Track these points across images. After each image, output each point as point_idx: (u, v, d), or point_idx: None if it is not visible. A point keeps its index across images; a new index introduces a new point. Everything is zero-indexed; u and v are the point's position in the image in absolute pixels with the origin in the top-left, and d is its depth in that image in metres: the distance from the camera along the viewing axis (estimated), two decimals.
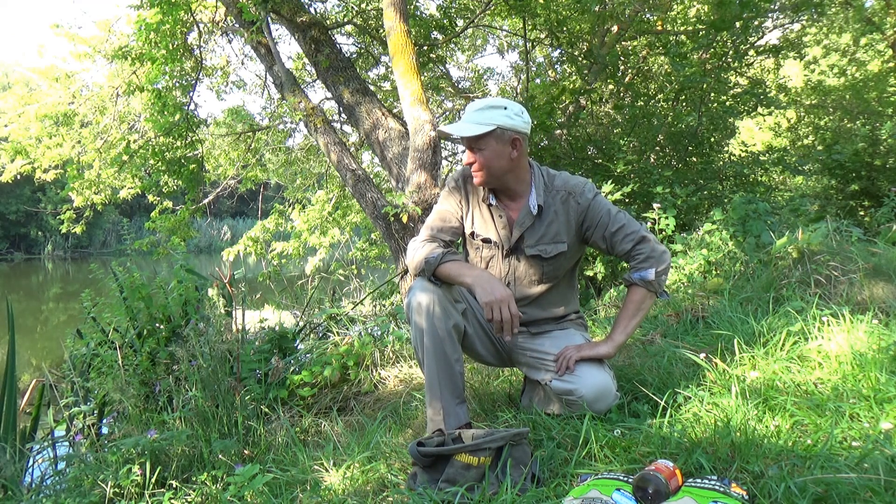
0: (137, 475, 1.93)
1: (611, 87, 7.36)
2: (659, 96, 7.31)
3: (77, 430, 2.62)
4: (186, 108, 6.54)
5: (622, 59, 7.13)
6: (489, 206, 1.95)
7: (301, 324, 3.88)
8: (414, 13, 6.71)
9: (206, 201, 8.14)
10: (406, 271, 4.25)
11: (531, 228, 1.92)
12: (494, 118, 1.83)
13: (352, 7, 7.38)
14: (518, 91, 9.06)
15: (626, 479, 1.35)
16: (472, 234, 1.98)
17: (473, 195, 1.99)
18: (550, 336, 1.99)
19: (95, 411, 2.81)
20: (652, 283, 1.88)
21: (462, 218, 2.00)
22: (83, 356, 3.08)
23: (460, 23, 7.44)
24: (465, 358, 2.02)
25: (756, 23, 6.45)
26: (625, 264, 2.08)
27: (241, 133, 8.75)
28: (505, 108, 1.84)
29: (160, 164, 6.72)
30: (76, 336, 3.39)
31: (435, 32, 7.05)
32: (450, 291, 1.86)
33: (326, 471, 1.82)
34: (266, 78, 8.38)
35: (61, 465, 2.53)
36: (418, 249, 1.91)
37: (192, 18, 6.14)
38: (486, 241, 1.97)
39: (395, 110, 6.32)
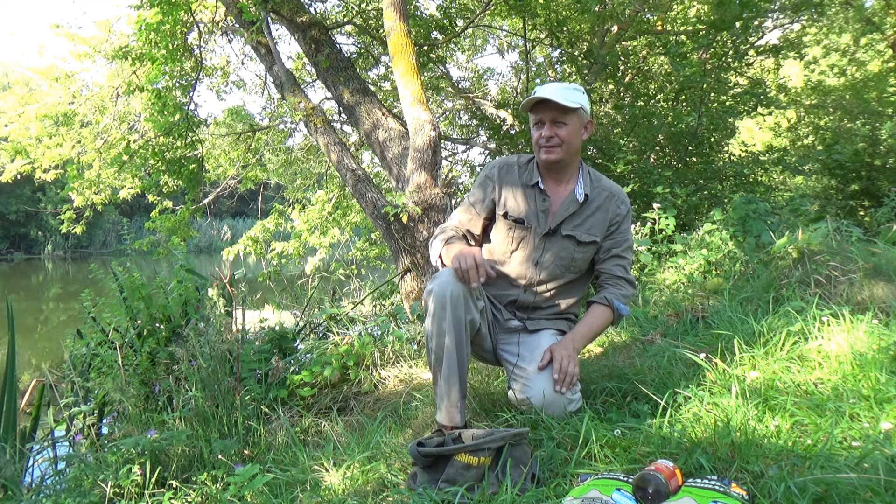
0: (137, 475, 1.93)
1: (611, 87, 7.36)
2: (659, 96, 7.31)
3: (77, 430, 2.62)
4: (186, 108, 6.54)
5: (622, 59, 7.13)
6: (529, 187, 2.00)
7: (301, 324, 3.88)
8: (414, 13, 6.71)
9: (206, 201, 8.15)
10: (406, 271, 4.25)
11: (573, 215, 1.98)
12: (579, 98, 1.90)
13: (352, 7, 7.38)
14: (518, 91, 9.06)
15: (626, 479, 1.35)
16: (506, 213, 2.03)
17: (509, 179, 2.03)
18: (533, 340, 1.99)
19: (95, 411, 2.81)
20: (621, 316, 2.02)
21: (493, 208, 2.05)
22: (83, 356, 3.08)
23: (460, 23, 7.45)
24: None
25: (756, 23, 6.46)
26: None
27: (241, 133, 8.75)
28: (584, 93, 1.93)
29: (160, 164, 6.72)
30: (76, 336, 3.39)
31: (435, 32, 7.06)
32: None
33: (326, 471, 1.82)
34: (266, 78, 8.38)
35: (61, 465, 2.53)
36: (435, 245, 2.01)
37: (192, 18, 6.13)
38: (519, 221, 2.01)
39: (395, 110, 6.32)
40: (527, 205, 2.01)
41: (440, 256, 1.98)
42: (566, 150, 1.93)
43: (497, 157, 2.12)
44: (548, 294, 2.05)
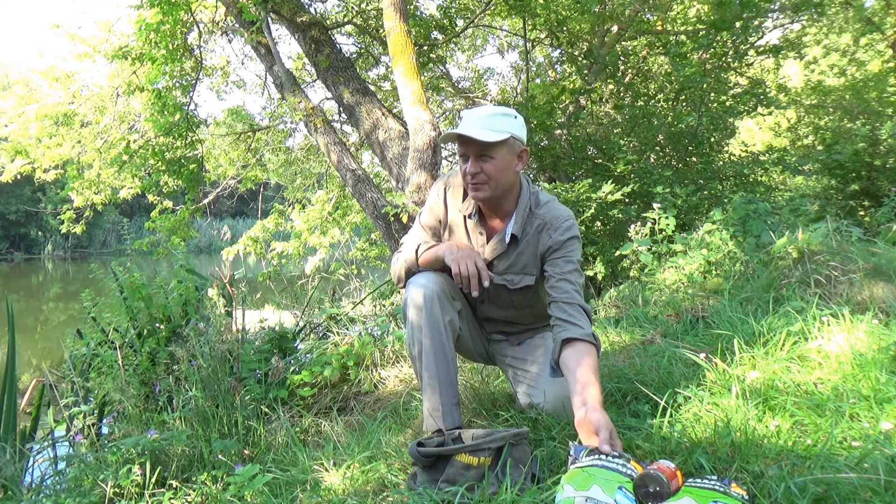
0: (137, 475, 1.93)
1: (611, 87, 7.37)
2: (659, 96, 7.32)
3: (77, 430, 2.62)
4: (186, 108, 6.55)
5: (622, 59, 7.13)
6: (467, 218, 1.86)
7: (301, 324, 3.88)
8: (414, 13, 6.72)
9: (206, 201, 8.16)
10: None
11: (503, 255, 1.85)
12: (508, 126, 1.70)
13: (352, 7, 7.39)
14: (518, 91, 9.06)
15: (624, 470, 1.33)
16: None
17: (453, 207, 1.89)
18: (526, 346, 1.98)
19: (95, 411, 2.81)
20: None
21: (441, 232, 1.94)
22: (83, 356, 3.08)
23: (460, 23, 7.45)
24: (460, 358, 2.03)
25: (756, 23, 6.46)
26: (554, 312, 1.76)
27: (241, 133, 8.75)
28: (515, 118, 1.73)
29: (160, 164, 6.74)
30: (76, 336, 3.39)
31: (435, 32, 7.06)
32: (449, 286, 1.82)
33: (326, 471, 1.82)
34: (266, 78, 8.39)
35: (61, 465, 2.53)
36: (398, 261, 1.91)
37: (192, 18, 6.14)
38: None
39: (395, 110, 6.32)
40: (465, 238, 1.87)
41: (416, 251, 1.83)
42: (495, 186, 1.72)
43: (447, 173, 1.96)
44: (509, 326, 1.99)
